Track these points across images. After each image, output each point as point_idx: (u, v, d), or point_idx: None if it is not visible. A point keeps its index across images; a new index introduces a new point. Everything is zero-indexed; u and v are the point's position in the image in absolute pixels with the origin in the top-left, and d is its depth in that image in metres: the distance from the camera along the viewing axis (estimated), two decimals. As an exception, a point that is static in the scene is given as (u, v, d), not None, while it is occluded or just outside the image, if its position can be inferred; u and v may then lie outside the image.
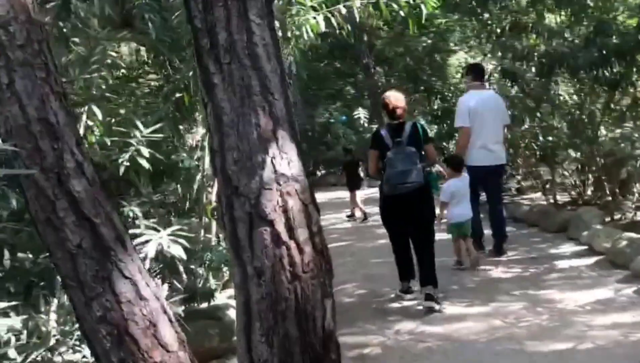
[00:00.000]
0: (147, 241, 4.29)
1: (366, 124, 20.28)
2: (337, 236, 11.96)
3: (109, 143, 4.39)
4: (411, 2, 5.74)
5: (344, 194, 19.45)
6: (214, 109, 3.27)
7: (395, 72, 15.36)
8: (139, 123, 4.39)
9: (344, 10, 5.72)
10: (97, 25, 5.07)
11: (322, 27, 5.78)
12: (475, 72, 7.41)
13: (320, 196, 17.48)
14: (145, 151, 4.33)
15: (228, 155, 3.21)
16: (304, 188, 3.23)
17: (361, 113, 19.79)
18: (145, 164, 4.35)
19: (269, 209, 3.10)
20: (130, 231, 4.00)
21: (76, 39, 4.99)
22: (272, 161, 3.16)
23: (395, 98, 5.67)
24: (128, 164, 4.30)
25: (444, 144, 13.70)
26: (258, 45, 3.25)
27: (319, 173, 25.37)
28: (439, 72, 14.80)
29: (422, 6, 5.78)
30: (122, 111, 4.74)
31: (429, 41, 14.82)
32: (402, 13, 5.85)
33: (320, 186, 22.18)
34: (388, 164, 5.39)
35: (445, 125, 13.72)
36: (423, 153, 5.65)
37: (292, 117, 3.37)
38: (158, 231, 4.28)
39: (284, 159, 3.19)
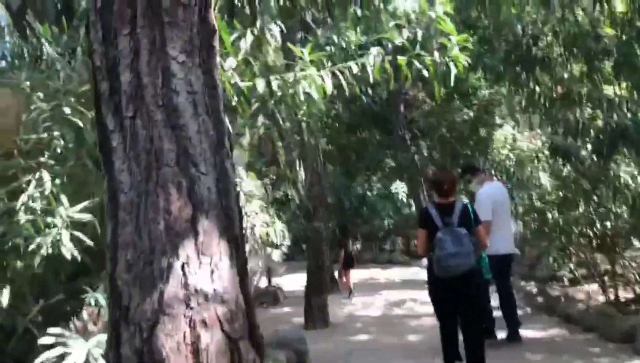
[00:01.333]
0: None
1: (404, 199, 19.10)
2: (362, 327, 10.58)
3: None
4: (438, 60, 4.71)
5: (379, 273, 18.05)
6: (109, 183, 2.19)
7: (434, 146, 14.36)
8: (63, 198, 3.34)
9: (355, 69, 4.72)
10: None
11: (329, 88, 4.78)
12: (472, 169, 7.73)
13: (352, 275, 16.33)
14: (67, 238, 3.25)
15: (120, 255, 2.09)
16: (234, 314, 2.07)
17: (399, 187, 18.67)
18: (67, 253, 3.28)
19: (167, 349, 1.93)
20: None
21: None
22: (183, 268, 2.03)
23: (446, 176, 5.62)
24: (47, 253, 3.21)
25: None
26: (179, 93, 2.19)
27: (354, 249, 24.11)
28: (482, 147, 13.70)
29: (451, 66, 4.73)
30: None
31: (472, 114, 13.79)
32: (425, 73, 4.81)
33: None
34: (438, 246, 5.27)
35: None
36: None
37: (231, 201, 2.25)
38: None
39: (204, 266, 2.05)
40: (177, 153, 2.12)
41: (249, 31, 4.30)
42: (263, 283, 14.07)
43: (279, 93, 4.38)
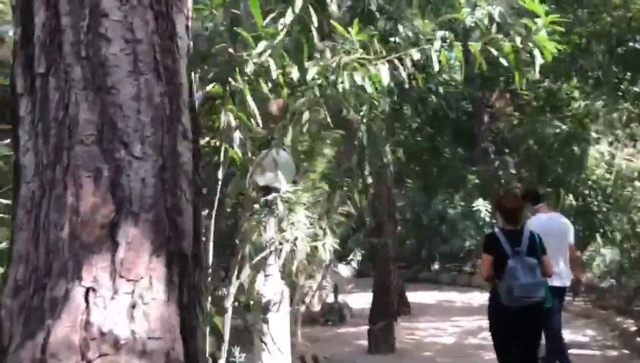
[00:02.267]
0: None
1: (487, 218, 17.82)
2: (431, 356, 9.68)
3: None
4: (519, 45, 3.81)
5: (456, 297, 17.13)
6: (14, 169, 1.54)
7: (520, 161, 13.14)
8: None
9: (417, 56, 3.91)
10: None
11: (386, 78, 4.02)
12: (533, 198, 7.20)
13: (427, 296, 15.40)
14: None
15: (11, 272, 1.43)
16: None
17: (481, 205, 17.40)
18: None
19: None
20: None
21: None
22: (86, 297, 1.33)
23: (513, 202, 5.60)
24: None
25: (579, 252, 11.09)
26: (111, 41, 1.51)
27: (432, 269, 23.00)
28: (575, 163, 12.35)
29: (536, 53, 3.80)
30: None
31: (564, 127, 12.50)
32: (504, 62, 3.92)
33: (430, 283, 19.97)
34: (510, 275, 5.23)
35: (580, 228, 11.16)
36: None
37: (181, 202, 1.53)
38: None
39: (121, 297, 1.35)
40: (99, 126, 1.43)
41: (289, 10, 3.64)
42: (330, 299, 13.40)
43: (319, 81, 3.68)
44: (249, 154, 4.62)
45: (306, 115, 4.36)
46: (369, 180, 8.34)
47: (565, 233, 7.07)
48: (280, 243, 5.27)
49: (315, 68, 3.64)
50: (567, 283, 7.05)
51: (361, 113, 5.62)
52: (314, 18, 3.76)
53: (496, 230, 5.57)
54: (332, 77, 3.66)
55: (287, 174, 5.83)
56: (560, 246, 6.77)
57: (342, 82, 3.65)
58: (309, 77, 3.64)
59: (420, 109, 5.90)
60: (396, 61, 4.15)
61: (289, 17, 3.70)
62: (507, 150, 13.33)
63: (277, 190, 5.63)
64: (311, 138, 4.46)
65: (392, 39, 4.91)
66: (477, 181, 20.44)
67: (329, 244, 5.45)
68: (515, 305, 5.27)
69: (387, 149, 9.62)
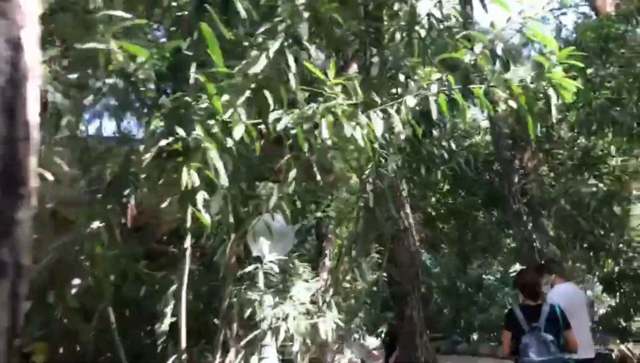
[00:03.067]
0: None
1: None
2: None
3: None
4: (530, 85, 3.22)
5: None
6: None
7: (555, 222, 12.29)
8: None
9: (412, 103, 3.37)
10: None
11: (379, 129, 3.49)
12: (549, 269, 6.91)
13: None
14: None
15: None
16: None
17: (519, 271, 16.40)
18: None
19: None
20: None
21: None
22: None
23: (531, 277, 5.58)
24: None
25: (622, 322, 10.11)
26: None
27: (472, 340, 21.71)
28: (615, 224, 11.44)
29: (552, 93, 3.20)
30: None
31: (600, 185, 11.67)
32: (512, 104, 3.34)
33: (469, 356, 18.80)
34: (522, 352, 5.16)
35: (624, 295, 10.20)
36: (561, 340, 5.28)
37: None
38: None
39: None
40: None
41: (263, 55, 3.19)
42: (357, 377, 12.49)
43: (292, 131, 3.17)
44: (230, 219, 4.11)
45: (292, 174, 3.85)
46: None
47: (585, 302, 6.95)
48: (277, 320, 4.68)
49: (288, 117, 3.15)
50: (592, 355, 6.69)
51: (366, 171, 5.09)
52: (292, 63, 3.31)
53: (516, 305, 5.58)
54: (306, 126, 3.15)
55: (284, 243, 5.30)
56: (582, 315, 6.53)
57: (319, 133, 3.13)
58: (280, 127, 3.15)
59: (431, 167, 5.34)
60: (391, 110, 3.63)
61: (261, 64, 3.25)
62: (543, 211, 12.55)
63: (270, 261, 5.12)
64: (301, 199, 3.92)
65: (392, 91, 4.42)
66: (513, 245, 19.57)
67: (330, 321, 4.80)
68: None
69: (408, 212, 9.00)
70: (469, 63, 3.29)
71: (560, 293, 6.46)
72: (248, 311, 4.45)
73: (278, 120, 3.13)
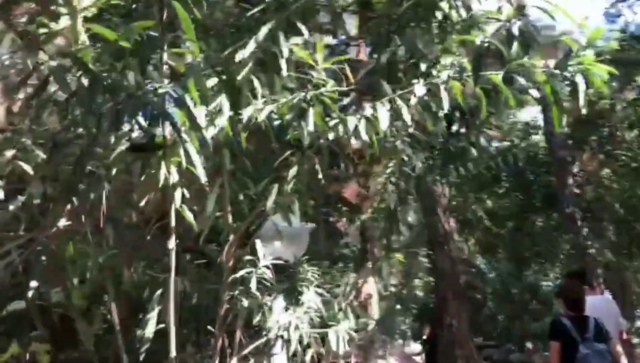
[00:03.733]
0: None
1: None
2: None
3: None
4: (555, 72, 2.75)
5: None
6: None
7: (610, 227, 11.39)
8: None
9: (421, 91, 2.96)
10: None
11: (385, 122, 3.11)
12: (581, 278, 6.71)
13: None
14: None
15: None
16: None
17: (577, 277, 15.51)
18: None
19: None
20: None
21: None
22: None
23: (578, 290, 5.49)
24: None
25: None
26: None
27: (526, 349, 20.84)
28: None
29: (579, 80, 2.71)
30: None
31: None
32: (535, 93, 2.89)
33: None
34: (582, 362, 5.06)
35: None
36: None
37: None
38: None
39: None
40: None
41: (252, 40, 2.87)
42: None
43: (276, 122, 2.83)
44: (229, 220, 3.82)
45: (293, 171, 3.52)
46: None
47: (617, 315, 6.87)
48: (284, 328, 4.36)
49: (270, 107, 2.81)
50: None
51: (388, 170, 4.70)
52: (284, 47, 2.98)
53: (561, 316, 5.38)
54: (289, 116, 2.81)
55: (297, 245, 4.97)
56: (610, 330, 6.25)
57: (306, 124, 2.78)
58: (261, 117, 2.82)
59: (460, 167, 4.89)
60: (399, 101, 3.24)
61: (250, 48, 2.94)
62: (594, 216, 11.74)
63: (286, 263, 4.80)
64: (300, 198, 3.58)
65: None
66: (570, 250, 18.70)
67: (343, 330, 4.43)
68: None
69: (449, 216, 8.52)
70: (481, 45, 2.87)
71: (596, 303, 6.31)
72: (252, 318, 4.16)
73: (259, 110, 2.81)
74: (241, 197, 3.86)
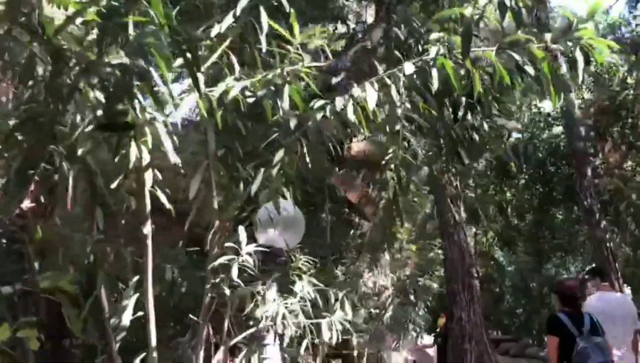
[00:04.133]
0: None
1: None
2: None
3: None
4: (553, 47, 2.56)
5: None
6: None
7: (622, 218, 11.03)
8: None
9: (410, 70, 2.77)
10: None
11: (372, 101, 2.94)
12: (600, 275, 6.95)
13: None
14: None
15: None
16: None
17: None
18: None
19: None
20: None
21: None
22: None
23: (573, 287, 5.66)
24: None
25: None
26: None
27: (544, 343, 20.49)
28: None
29: (578, 56, 2.51)
30: None
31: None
32: (530, 70, 2.68)
33: (539, 361, 17.90)
34: (581, 356, 5.18)
35: None
36: None
37: None
38: None
39: None
40: None
41: (231, 14, 2.72)
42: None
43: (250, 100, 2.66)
44: (215, 205, 3.68)
45: (279, 154, 3.36)
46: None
47: (633, 314, 6.86)
48: (276, 318, 4.22)
49: (241, 84, 2.65)
50: None
51: (387, 156, 4.52)
52: (264, 22, 2.81)
53: (558, 312, 5.49)
54: (260, 94, 2.64)
55: (292, 233, 4.82)
56: (625, 329, 6.59)
57: (281, 101, 2.61)
58: (232, 94, 2.66)
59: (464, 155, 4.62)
60: (387, 80, 3.06)
61: (226, 22, 2.77)
62: (611, 207, 11.40)
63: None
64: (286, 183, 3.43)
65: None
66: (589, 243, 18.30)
67: (336, 321, 4.29)
68: None
69: (460, 206, 8.30)
70: (471, 18, 2.66)
71: (607, 301, 6.54)
72: (244, 308, 4.03)
73: (231, 87, 2.65)
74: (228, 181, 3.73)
